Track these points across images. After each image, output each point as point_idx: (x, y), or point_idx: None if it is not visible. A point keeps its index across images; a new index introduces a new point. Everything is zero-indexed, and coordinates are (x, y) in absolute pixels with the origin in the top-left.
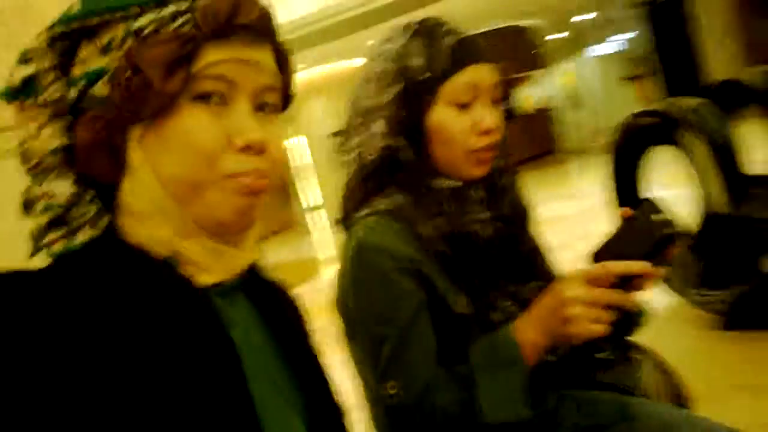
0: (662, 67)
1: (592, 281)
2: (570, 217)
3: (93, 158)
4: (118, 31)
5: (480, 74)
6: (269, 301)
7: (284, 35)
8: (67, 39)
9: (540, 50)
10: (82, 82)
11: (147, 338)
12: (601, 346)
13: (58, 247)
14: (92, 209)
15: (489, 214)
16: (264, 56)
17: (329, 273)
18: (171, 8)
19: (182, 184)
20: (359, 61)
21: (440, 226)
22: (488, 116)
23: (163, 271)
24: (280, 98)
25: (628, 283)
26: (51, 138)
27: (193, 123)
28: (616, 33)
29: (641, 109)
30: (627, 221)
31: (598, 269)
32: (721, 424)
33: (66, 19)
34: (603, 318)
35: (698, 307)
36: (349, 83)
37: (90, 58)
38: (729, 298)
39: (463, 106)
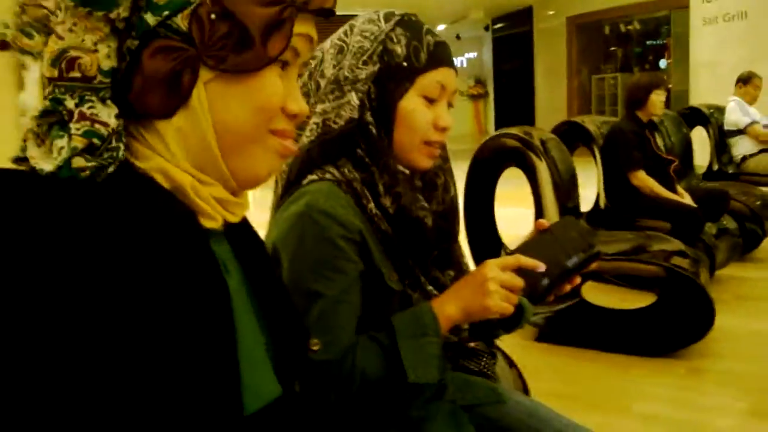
0: (496, 91)
1: (504, 267)
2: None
3: (152, 90)
4: None
5: (448, 77)
6: (244, 242)
7: None
8: None
9: None
10: (166, 12)
11: (145, 270)
12: (495, 333)
13: (83, 174)
14: (121, 146)
15: (429, 204)
16: (314, 32)
17: None
18: None
19: (239, 134)
20: None
21: (388, 206)
22: (447, 116)
23: (175, 208)
24: None
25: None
26: (107, 58)
27: (270, 82)
28: (462, 51)
29: (474, 126)
30: (547, 232)
31: (512, 259)
32: (573, 421)
33: None
34: (511, 299)
35: None
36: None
37: None
38: (547, 314)
39: (430, 102)
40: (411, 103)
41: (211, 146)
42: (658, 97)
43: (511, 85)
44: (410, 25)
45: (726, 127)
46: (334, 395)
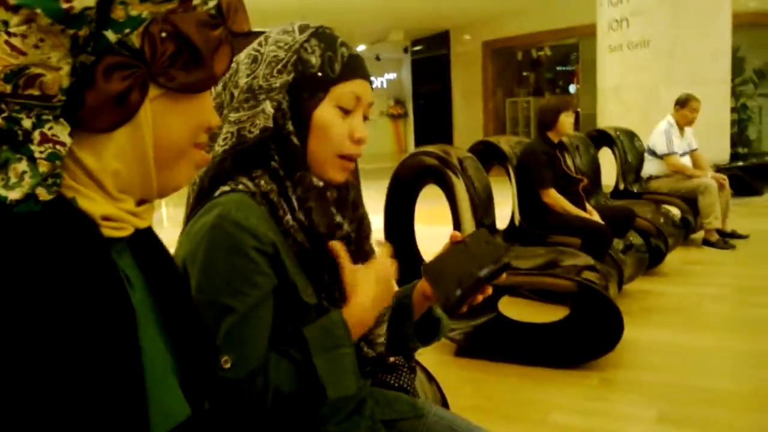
0: (416, 112)
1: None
2: None
3: (102, 106)
4: None
5: (364, 89)
6: (148, 252)
7: None
8: None
9: None
10: (127, 29)
11: (40, 286)
12: (414, 346)
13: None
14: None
15: (343, 218)
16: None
17: None
18: None
19: (174, 149)
20: None
21: (302, 219)
22: (362, 128)
23: (73, 216)
24: None
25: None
26: (68, 75)
27: (209, 100)
28: (382, 71)
29: (394, 145)
30: (460, 244)
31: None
32: None
33: None
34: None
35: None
36: None
37: (131, 4)
38: (465, 329)
39: (346, 113)
40: (326, 113)
41: (148, 161)
42: (567, 119)
43: (430, 105)
44: (325, 36)
45: (648, 144)
46: (247, 413)
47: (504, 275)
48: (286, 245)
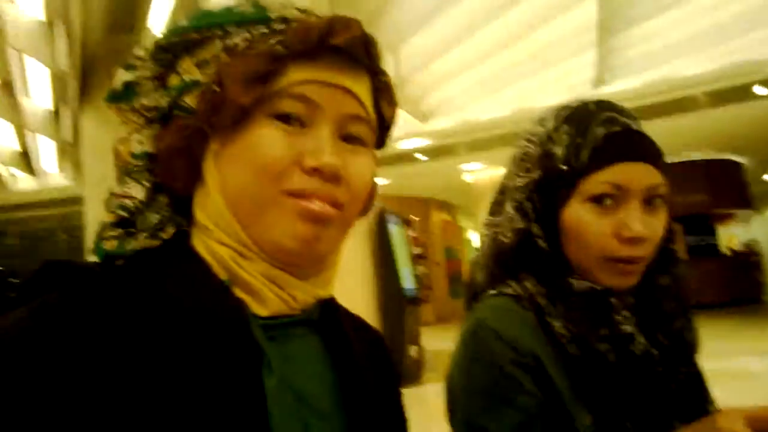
0: None
1: (752, 421)
2: (760, 375)
3: (172, 166)
4: (215, 47)
5: (630, 174)
6: (343, 342)
7: (474, 133)
8: (169, 52)
9: (751, 189)
10: (174, 92)
11: (173, 360)
12: None
13: (109, 246)
14: (156, 218)
15: (639, 330)
16: (355, 84)
17: None
18: (265, 27)
19: (245, 200)
20: None
21: (573, 328)
22: (636, 222)
23: (215, 292)
24: (373, 132)
25: None
26: (138, 143)
27: (263, 137)
28: None
29: None
30: None
31: (763, 410)
32: None
33: (170, 33)
34: None
35: None
36: None
37: (187, 71)
38: None
39: (606, 207)
40: (575, 212)
41: (227, 218)
42: None
43: None
44: (580, 118)
45: None
46: None
47: None
48: (555, 358)
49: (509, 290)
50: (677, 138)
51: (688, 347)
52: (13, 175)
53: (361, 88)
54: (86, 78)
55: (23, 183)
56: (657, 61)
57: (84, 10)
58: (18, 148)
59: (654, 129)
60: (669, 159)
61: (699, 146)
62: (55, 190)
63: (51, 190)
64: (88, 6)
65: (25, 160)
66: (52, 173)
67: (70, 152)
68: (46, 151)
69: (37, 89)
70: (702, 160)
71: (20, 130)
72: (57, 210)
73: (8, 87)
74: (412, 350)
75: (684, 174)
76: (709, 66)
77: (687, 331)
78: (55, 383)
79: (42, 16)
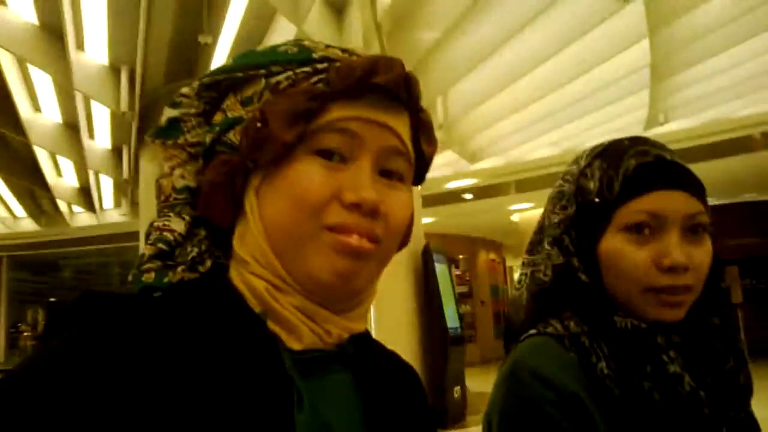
0: None
1: None
2: None
3: (213, 200)
4: (259, 85)
5: (665, 202)
6: (376, 379)
7: (521, 173)
8: (214, 90)
9: None
10: (218, 128)
11: (203, 393)
12: None
13: (147, 278)
14: (194, 251)
15: (681, 370)
16: (395, 120)
17: None
18: (309, 67)
19: (284, 233)
20: None
21: (617, 367)
22: (676, 250)
23: (249, 325)
24: (411, 168)
25: None
26: (180, 178)
27: (303, 173)
28: None
29: None
30: None
31: None
32: None
33: (215, 72)
34: None
35: None
36: None
37: (231, 109)
38: None
39: (645, 237)
40: (612, 244)
41: (265, 252)
42: None
43: None
44: (613, 152)
45: None
46: None
47: None
48: (598, 400)
49: (550, 329)
50: (732, 179)
51: (740, 391)
52: (72, 212)
53: (401, 124)
54: (145, 120)
55: (82, 218)
56: (711, 102)
57: (146, 56)
58: (77, 184)
59: (708, 170)
60: (724, 200)
61: (754, 187)
62: (112, 225)
63: (107, 226)
64: (151, 53)
65: (85, 196)
66: (109, 209)
67: (126, 189)
68: (105, 188)
69: (99, 130)
70: (758, 201)
71: (81, 168)
72: (112, 245)
73: (73, 128)
74: (456, 391)
75: (740, 216)
76: (764, 107)
77: (739, 374)
78: (78, 416)
79: (106, 61)
